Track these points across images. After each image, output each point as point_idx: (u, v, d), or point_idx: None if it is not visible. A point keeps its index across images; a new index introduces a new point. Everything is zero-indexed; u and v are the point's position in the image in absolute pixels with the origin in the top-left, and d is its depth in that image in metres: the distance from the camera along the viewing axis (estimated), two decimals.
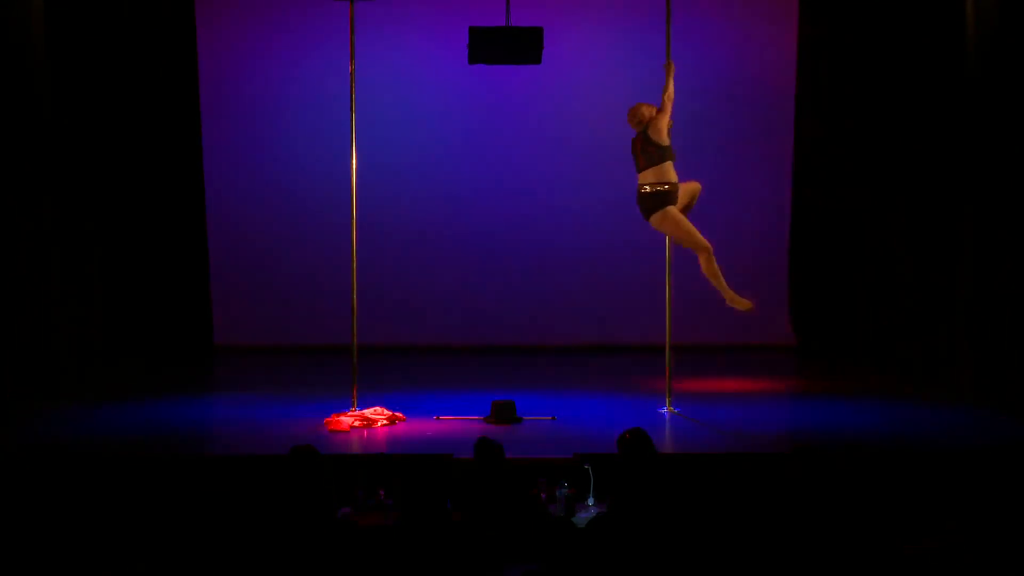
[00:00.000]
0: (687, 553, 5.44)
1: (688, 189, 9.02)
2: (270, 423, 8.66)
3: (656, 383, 9.47)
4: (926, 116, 11.02)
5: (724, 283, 8.94)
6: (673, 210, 8.81)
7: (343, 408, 8.92)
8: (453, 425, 8.67)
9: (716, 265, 8.87)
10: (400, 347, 12.38)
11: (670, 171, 8.83)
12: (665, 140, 8.82)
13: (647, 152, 8.83)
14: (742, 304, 8.99)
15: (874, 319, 11.83)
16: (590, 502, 6.75)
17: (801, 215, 12.53)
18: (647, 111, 8.90)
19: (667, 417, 8.97)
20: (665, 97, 8.87)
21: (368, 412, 8.78)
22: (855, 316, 12.09)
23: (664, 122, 8.81)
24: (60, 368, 10.34)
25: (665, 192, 8.78)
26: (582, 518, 6.43)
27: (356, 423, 8.61)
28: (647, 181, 8.83)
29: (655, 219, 8.85)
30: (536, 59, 9.13)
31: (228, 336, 12.62)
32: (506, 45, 9.05)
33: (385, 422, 8.71)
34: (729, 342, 12.38)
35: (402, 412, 8.92)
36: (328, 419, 8.63)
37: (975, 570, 5.80)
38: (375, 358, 10.74)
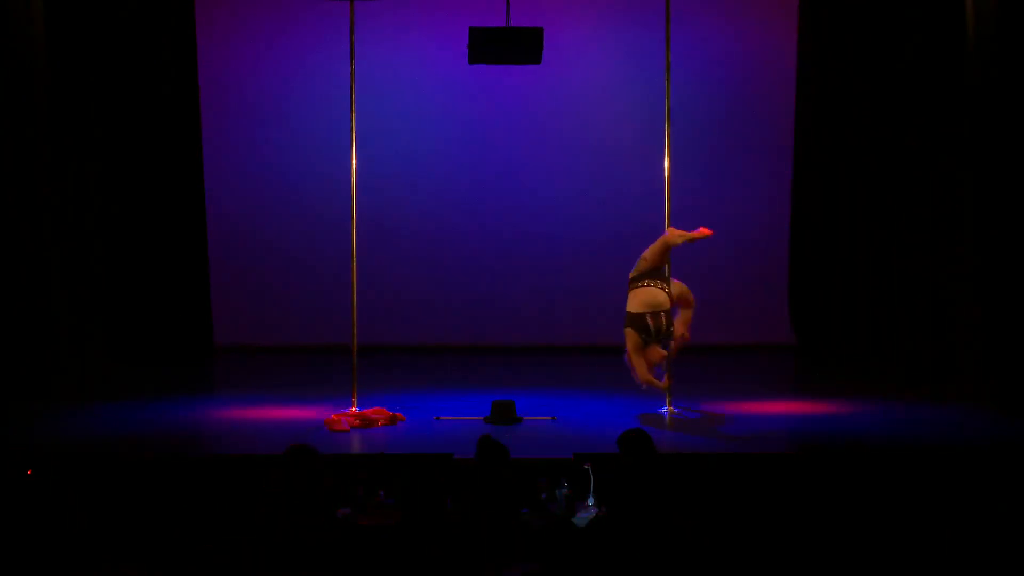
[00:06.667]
0: (687, 553, 5.44)
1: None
2: (270, 423, 8.65)
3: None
4: (926, 115, 11.02)
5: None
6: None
7: (343, 408, 8.92)
8: (453, 425, 8.67)
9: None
10: (400, 347, 12.38)
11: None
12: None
13: None
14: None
15: (874, 319, 11.81)
16: (590, 502, 6.75)
17: (801, 215, 12.51)
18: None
19: (667, 417, 8.97)
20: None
21: (368, 412, 8.78)
22: (855, 316, 12.07)
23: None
24: (60, 368, 10.33)
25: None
26: (582, 518, 6.43)
27: (356, 423, 8.61)
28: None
29: None
30: (536, 59, 9.13)
31: (228, 336, 12.61)
32: (506, 45, 9.03)
33: (385, 422, 8.71)
34: (729, 342, 12.36)
35: (402, 412, 8.92)
36: (328, 419, 8.63)
37: (976, 570, 5.80)
38: (375, 358, 10.73)
